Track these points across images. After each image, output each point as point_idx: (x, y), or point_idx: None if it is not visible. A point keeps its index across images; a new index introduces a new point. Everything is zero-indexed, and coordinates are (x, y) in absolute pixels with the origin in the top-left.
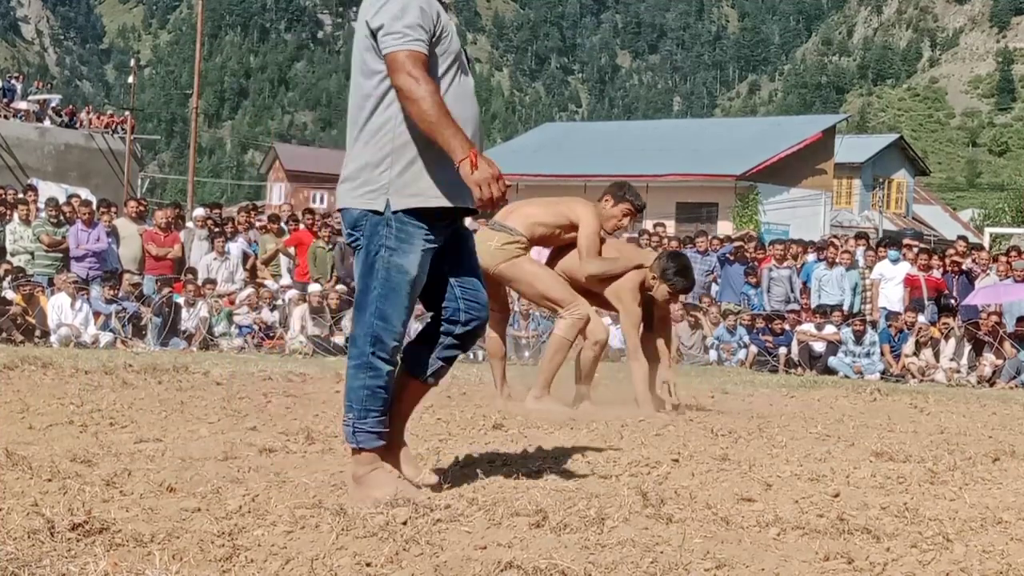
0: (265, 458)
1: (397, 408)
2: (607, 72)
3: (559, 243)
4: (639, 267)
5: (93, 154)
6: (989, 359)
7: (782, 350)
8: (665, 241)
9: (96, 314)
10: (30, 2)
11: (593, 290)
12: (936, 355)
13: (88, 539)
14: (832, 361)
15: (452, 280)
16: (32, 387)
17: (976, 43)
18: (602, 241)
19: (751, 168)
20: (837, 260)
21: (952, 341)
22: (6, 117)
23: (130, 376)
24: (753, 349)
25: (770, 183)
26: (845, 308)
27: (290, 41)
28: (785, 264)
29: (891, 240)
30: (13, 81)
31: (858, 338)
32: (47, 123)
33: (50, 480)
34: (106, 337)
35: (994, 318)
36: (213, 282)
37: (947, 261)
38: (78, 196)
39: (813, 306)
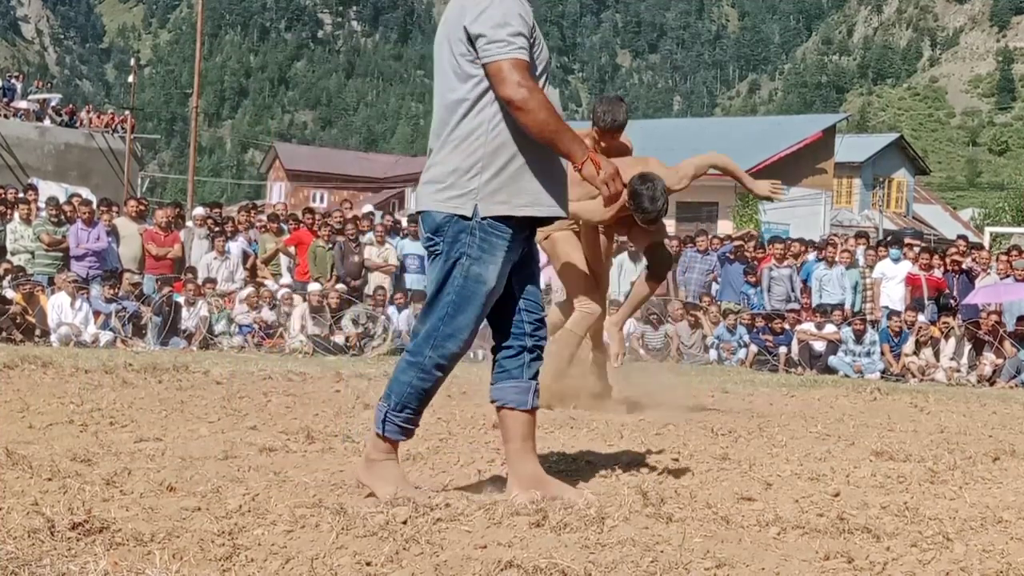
0: (265, 457)
1: (525, 445)
2: (607, 71)
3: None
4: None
5: (93, 153)
6: (989, 358)
7: (782, 349)
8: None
9: (96, 313)
10: (30, 1)
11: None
12: (936, 354)
13: (88, 538)
14: (832, 360)
15: (515, 288)
16: (32, 386)
17: (976, 42)
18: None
19: (751, 167)
20: (837, 259)
21: (952, 340)
22: (6, 116)
23: (130, 375)
24: (753, 348)
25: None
26: (846, 307)
27: (290, 40)
28: (785, 263)
29: (891, 239)
30: (13, 80)
31: (858, 337)
32: (47, 122)
33: (50, 479)
34: (106, 336)
35: (994, 317)
36: (213, 281)
37: (947, 260)
38: (78, 195)
39: (813, 305)
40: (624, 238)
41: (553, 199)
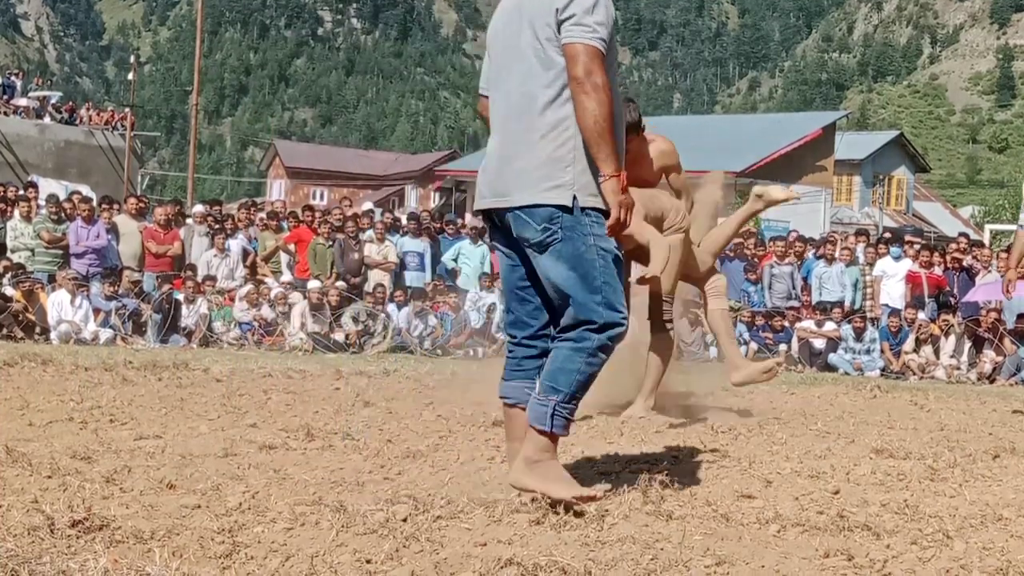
0: (265, 455)
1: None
2: None
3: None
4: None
5: (93, 151)
6: (989, 356)
7: (782, 347)
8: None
9: (96, 311)
10: None
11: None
12: (936, 352)
13: (88, 536)
14: (832, 358)
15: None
16: (32, 384)
17: (976, 40)
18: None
19: (751, 165)
20: (837, 257)
21: (952, 338)
22: (6, 114)
23: (130, 373)
24: (753, 346)
25: (770, 180)
26: (846, 304)
27: (290, 38)
28: (786, 261)
29: (890, 237)
30: (13, 78)
31: (858, 335)
32: (47, 120)
33: (50, 477)
34: (106, 334)
35: (994, 315)
36: (213, 279)
37: (948, 258)
38: (78, 193)
39: (814, 303)
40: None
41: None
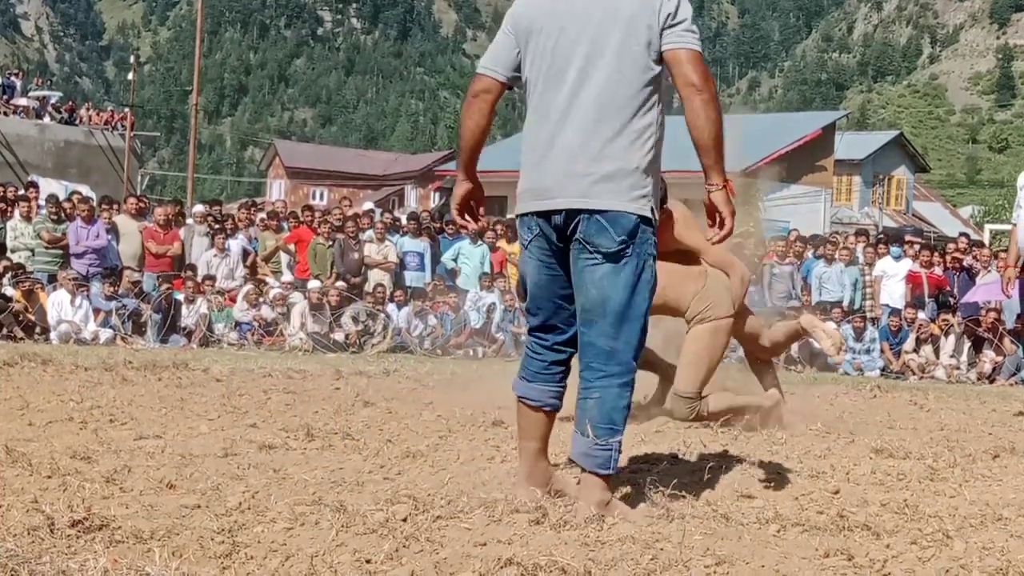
0: (265, 455)
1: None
2: None
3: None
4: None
5: (93, 151)
6: (989, 356)
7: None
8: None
9: (96, 311)
10: None
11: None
12: (936, 352)
13: (88, 536)
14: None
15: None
16: (32, 384)
17: (976, 40)
18: None
19: (751, 164)
20: (836, 257)
21: (952, 338)
22: (6, 114)
23: (130, 373)
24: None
25: (770, 179)
26: (845, 304)
27: (290, 38)
28: (787, 261)
29: (889, 237)
30: (13, 78)
31: (858, 335)
32: (47, 120)
33: (50, 477)
34: (106, 334)
35: (994, 315)
36: (212, 279)
37: (948, 258)
38: (78, 193)
39: (814, 303)
40: None
41: None
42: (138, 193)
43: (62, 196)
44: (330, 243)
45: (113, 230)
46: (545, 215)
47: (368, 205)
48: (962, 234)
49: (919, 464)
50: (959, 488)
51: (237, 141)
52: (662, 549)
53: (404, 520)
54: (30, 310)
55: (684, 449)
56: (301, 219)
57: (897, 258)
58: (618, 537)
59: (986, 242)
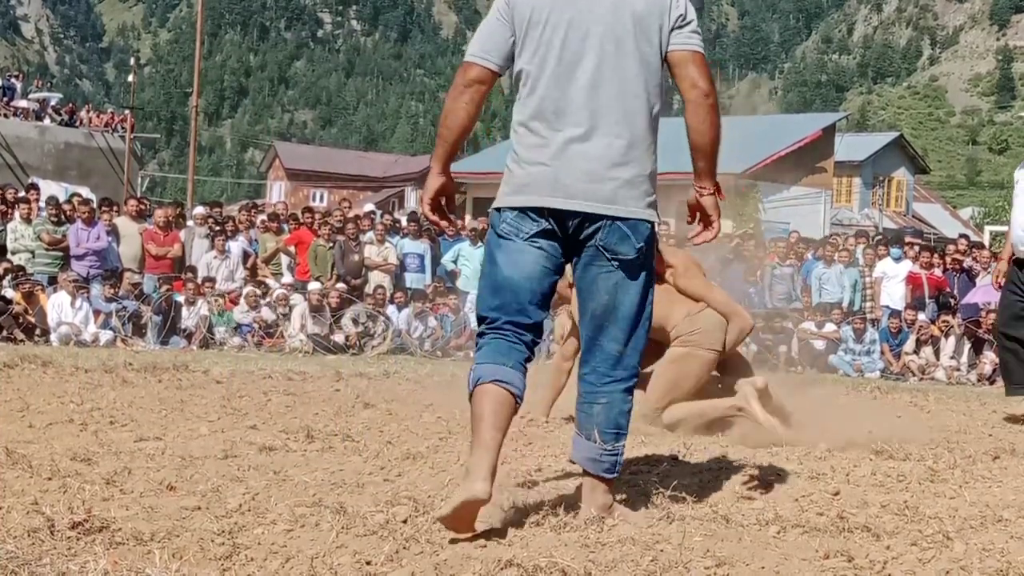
0: (265, 456)
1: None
2: None
3: None
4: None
5: (93, 153)
6: (989, 357)
7: (782, 348)
8: (671, 241)
9: (96, 313)
10: (30, 1)
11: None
12: (936, 353)
13: (88, 537)
14: (832, 359)
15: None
16: (32, 386)
17: (976, 41)
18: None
19: (751, 166)
20: (836, 258)
21: (952, 339)
22: (6, 116)
23: (130, 375)
24: (753, 347)
25: (770, 181)
26: (844, 305)
27: (290, 40)
28: (788, 262)
29: (889, 238)
30: (13, 80)
31: (858, 336)
32: (47, 122)
33: (50, 479)
34: (106, 336)
35: (994, 316)
36: (213, 280)
37: (948, 259)
38: (79, 195)
39: (814, 304)
40: None
41: None
42: (138, 195)
43: (62, 198)
44: (330, 245)
45: (113, 232)
46: (559, 213)
47: (368, 207)
48: (962, 235)
49: (919, 465)
50: (959, 490)
51: (237, 143)
52: (662, 550)
53: (404, 522)
54: (30, 312)
55: (684, 451)
56: (301, 221)
57: (897, 259)
58: (618, 538)
59: (986, 243)
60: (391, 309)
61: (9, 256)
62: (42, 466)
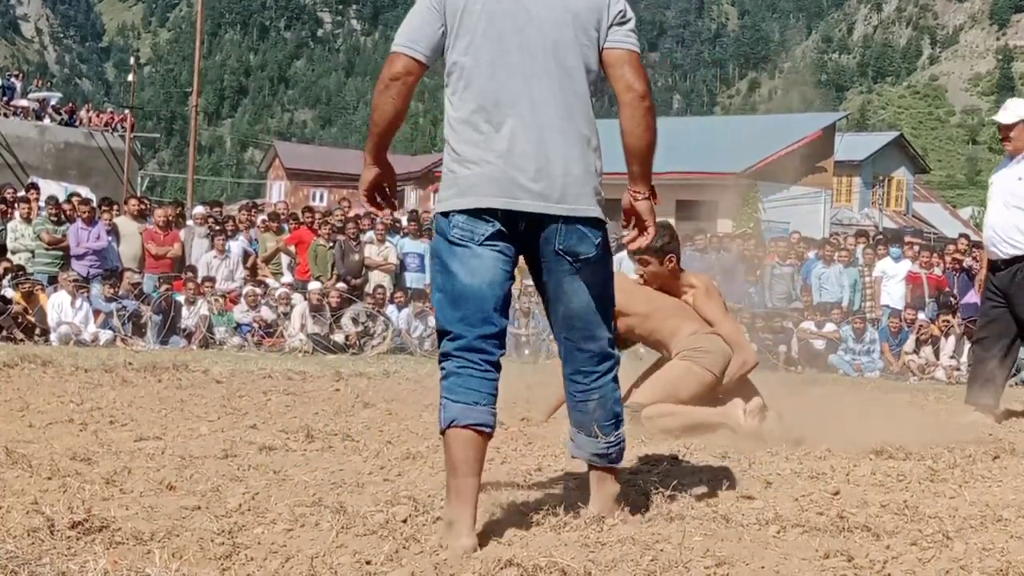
0: (265, 456)
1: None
2: None
3: None
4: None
5: (93, 152)
6: None
7: (782, 348)
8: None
9: (96, 312)
10: (29, 0)
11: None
12: (936, 353)
13: (88, 537)
14: (832, 359)
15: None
16: (32, 385)
17: (976, 41)
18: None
19: (751, 166)
20: (836, 258)
21: (952, 339)
22: (5, 115)
23: (130, 374)
24: (753, 347)
25: (770, 181)
26: (844, 305)
27: (290, 39)
28: (788, 262)
29: (888, 237)
30: (13, 79)
31: (858, 336)
32: (47, 121)
33: (50, 478)
34: (106, 335)
35: None
36: (212, 280)
37: (948, 259)
38: (78, 194)
39: (814, 304)
40: None
41: None
42: (138, 195)
43: (62, 198)
44: (331, 244)
45: (113, 232)
46: (510, 213)
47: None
48: (962, 235)
49: (919, 465)
50: (959, 489)
51: (237, 143)
52: (662, 550)
53: (404, 521)
54: (30, 312)
55: (684, 450)
56: (301, 220)
57: (897, 259)
58: (618, 538)
59: None
60: (391, 309)
61: (9, 256)
62: (42, 466)
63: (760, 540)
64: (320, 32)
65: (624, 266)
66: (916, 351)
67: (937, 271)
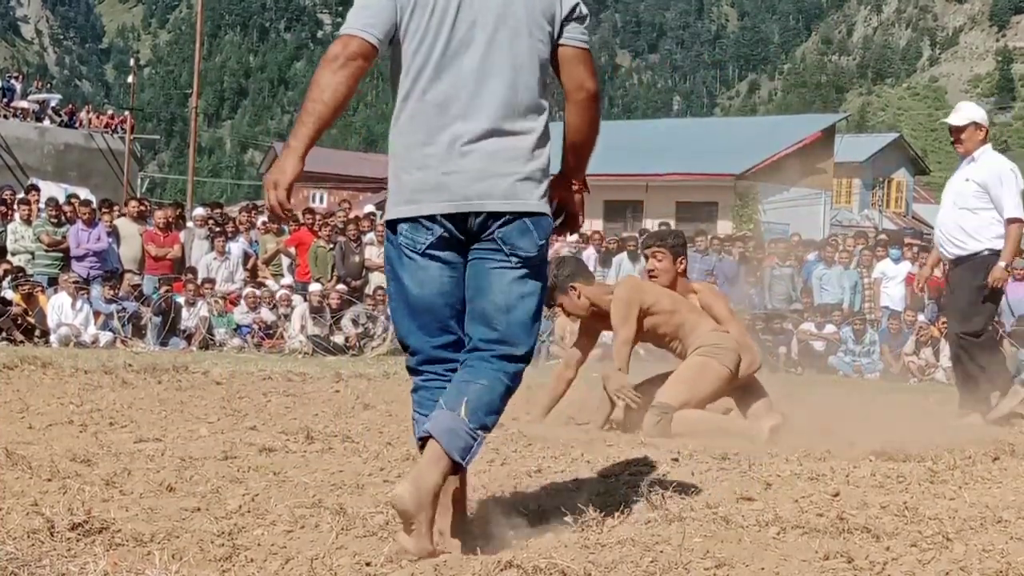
0: (265, 458)
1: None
2: (606, 71)
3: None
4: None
5: (93, 154)
6: None
7: (782, 349)
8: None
9: (96, 314)
10: (29, 2)
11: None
12: (936, 354)
13: (88, 539)
14: (832, 360)
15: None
16: (32, 387)
17: (976, 42)
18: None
19: (751, 167)
20: (836, 259)
21: None
22: (5, 117)
23: (130, 376)
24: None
25: (770, 182)
26: (844, 306)
27: (289, 41)
28: (787, 263)
29: (887, 239)
30: (13, 81)
31: (858, 337)
32: (47, 123)
33: (50, 480)
34: (106, 337)
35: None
36: (213, 282)
37: None
38: (77, 196)
39: (814, 305)
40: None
41: None
42: (138, 196)
43: (61, 199)
44: (331, 246)
45: (114, 233)
46: (453, 216)
47: (368, 208)
48: None
49: (919, 467)
50: (959, 490)
51: (237, 144)
52: (662, 551)
53: None
54: (30, 313)
55: (684, 451)
56: (302, 222)
57: (896, 260)
58: (618, 539)
59: None
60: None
61: (9, 257)
62: (42, 467)
63: (760, 541)
64: (320, 34)
65: (624, 267)
66: (916, 352)
67: (937, 272)
